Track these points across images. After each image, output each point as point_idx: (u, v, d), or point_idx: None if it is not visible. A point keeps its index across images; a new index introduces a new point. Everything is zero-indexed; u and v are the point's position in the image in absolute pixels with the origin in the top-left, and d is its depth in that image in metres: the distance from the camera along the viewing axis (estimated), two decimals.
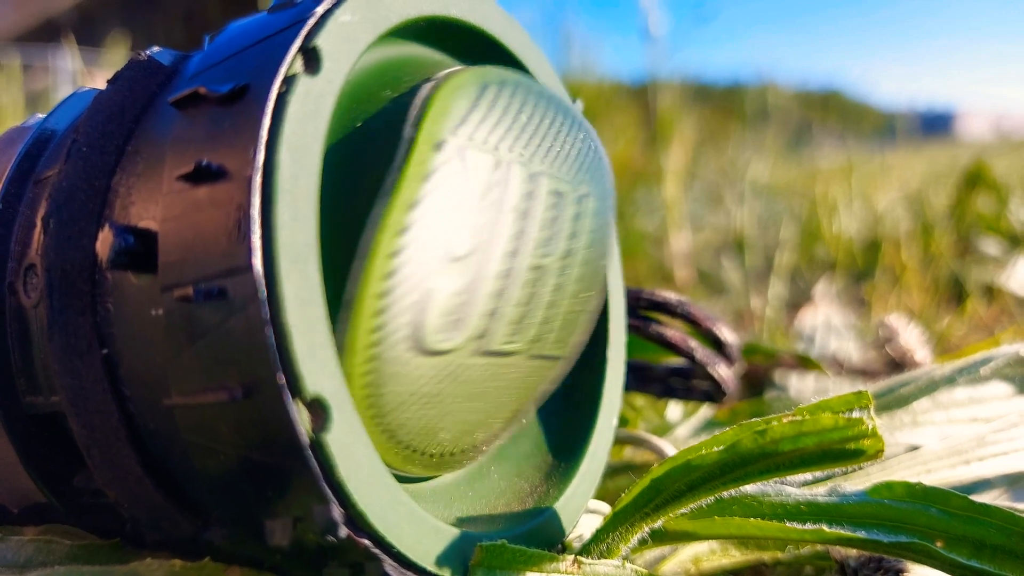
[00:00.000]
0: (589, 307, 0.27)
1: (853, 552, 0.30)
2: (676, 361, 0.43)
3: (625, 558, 0.26)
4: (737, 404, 0.47)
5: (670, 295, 0.42)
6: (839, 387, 0.53)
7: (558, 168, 0.24)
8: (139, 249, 0.20)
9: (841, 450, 0.23)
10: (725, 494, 0.25)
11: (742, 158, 1.86)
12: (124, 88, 0.24)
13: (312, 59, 0.21)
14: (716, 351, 0.42)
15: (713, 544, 0.32)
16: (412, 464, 0.24)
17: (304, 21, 0.21)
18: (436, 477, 0.27)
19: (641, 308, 0.42)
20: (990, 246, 1.04)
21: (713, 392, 0.42)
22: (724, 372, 0.41)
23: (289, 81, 0.20)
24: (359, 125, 0.23)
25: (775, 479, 0.25)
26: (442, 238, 0.21)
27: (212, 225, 0.19)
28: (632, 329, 0.40)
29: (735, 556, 0.32)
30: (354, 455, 0.20)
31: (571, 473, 0.29)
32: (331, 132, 0.21)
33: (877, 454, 0.22)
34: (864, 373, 0.62)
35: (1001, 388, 0.38)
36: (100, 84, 0.26)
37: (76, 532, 0.26)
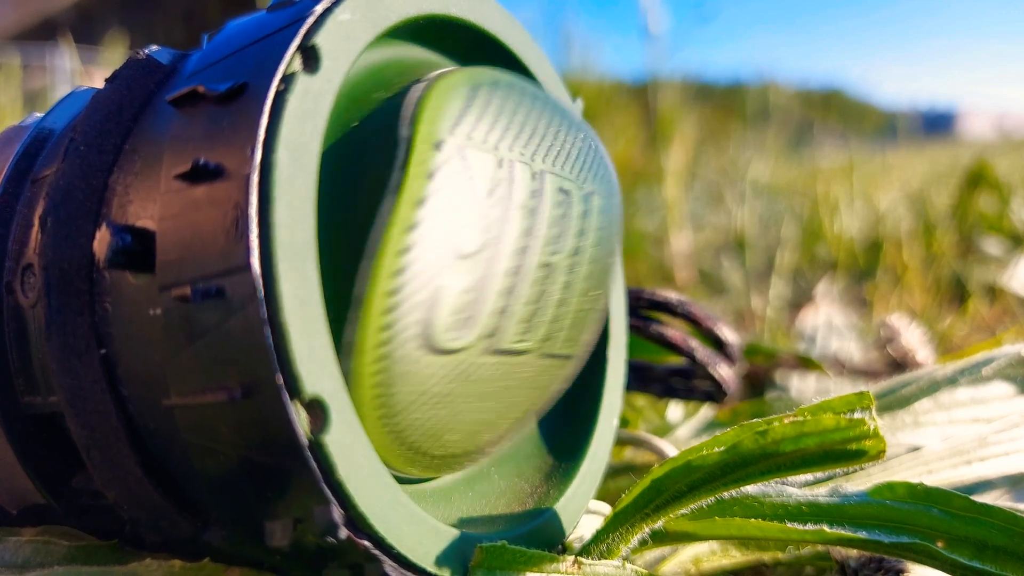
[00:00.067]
0: (598, 305, 0.27)
1: (854, 553, 0.29)
2: (677, 361, 0.43)
3: (625, 559, 0.26)
4: (738, 405, 0.47)
5: (671, 295, 0.42)
6: (840, 387, 0.53)
7: (561, 167, 0.24)
8: (137, 248, 0.20)
9: (842, 451, 0.23)
10: (726, 495, 0.25)
11: (743, 157, 1.86)
12: (122, 87, 0.24)
13: (311, 58, 0.21)
14: (717, 351, 0.42)
15: (714, 545, 0.32)
16: (413, 466, 0.23)
17: (303, 20, 0.21)
18: (435, 479, 0.27)
19: (642, 308, 0.41)
20: (992, 246, 1.04)
21: (714, 392, 0.42)
22: (725, 372, 0.41)
23: (288, 80, 0.20)
24: (355, 125, 0.23)
25: (776, 480, 0.25)
26: (451, 235, 0.21)
27: (210, 224, 0.19)
28: (633, 329, 0.40)
29: (736, 557, 0.32)
30: (353, 456, 0.20)
31: (572, 474, 0.29)
32: (329, 132, 0.21)
33: (879, 455, 0.22)
34: (865, 373, 0.62)
35: (1003, 388, 0.37)
36: (98, 83, 0.26)
37: (75, 533, 0.26)
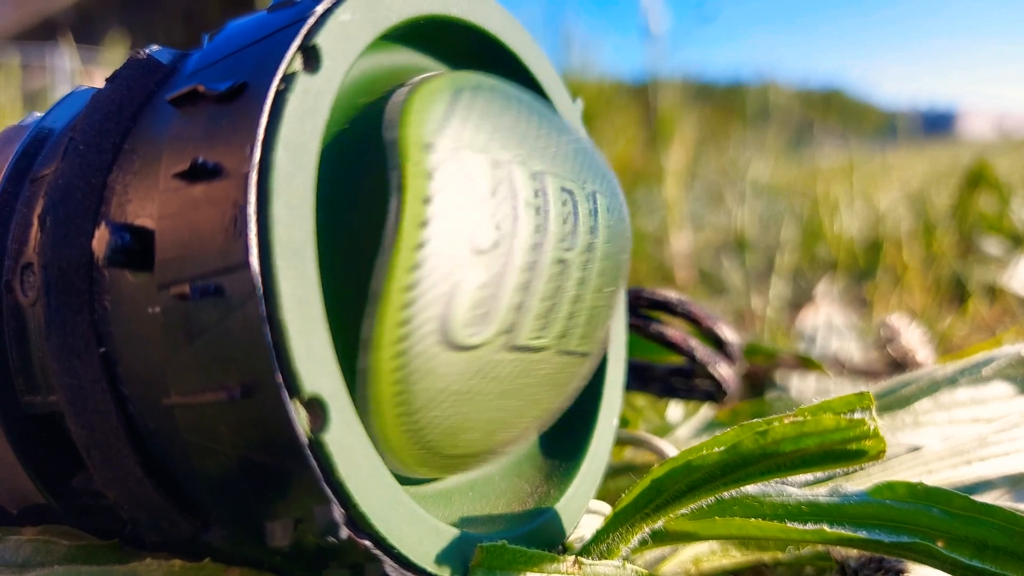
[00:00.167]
0: (611, 302, 0.27)
1: (854, 552, 0.29)
2: (677, 360, 0.43)
3: (625, 558, 0.26)
4: (738, 404, 0.47)
5: (671, 294, 0.42)
6: (840, 387, 0.53)
7: (559, 167, 0.24)
8: (135, 247, 0.20)
9: (843, 451, 0.23)
10: (726, 495, 0.25)
11: (743, 157, 1.86)
12: (122, 86, 0.24)
13: (311, 58, 0.21)
14: (717, 350, 0.42)
15: (714, 544, 0.32)
16: (426, 465, 0.23)
17: (304, 20, 0.21)
18: (439, 480, 0.27)
19: (642, 307, 0.41)
20: (992, 246, 1.04)
21: (714, 391, 0.42)
22: (725, 371, 0.41)
23: (288, 79, 0.20)
24: (343, 128, 0.23)
25: (776, 480, 0.25)
26: (464, 231, 0.21)
27: (208, 223, 0.19)
28: (633, 328, 0.40)
29: (736, 556, 0.32)
30: (354, 455, 0.20)
31: (572, 474, 0.29)
32: (327, 132, 0.21)
33: (879, 455, 0.22)
34: (866, 373, 0.62)
35: (1003, 388, 0.37)
36: (98, 83, 0.26)
37: (75, 533, 0.26)
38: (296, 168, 0.20)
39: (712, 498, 0.25)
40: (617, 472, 0.39)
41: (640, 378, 0.43)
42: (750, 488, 0.26)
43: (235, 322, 0.19)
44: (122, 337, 0.22)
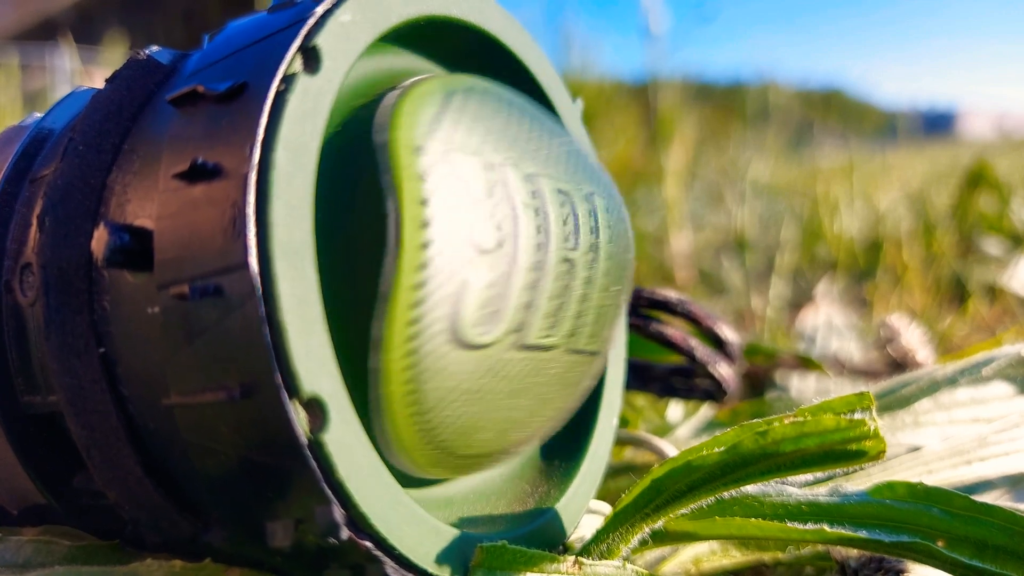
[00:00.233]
0: (618, 301, 0.27)
1: (854, 552, 0.29)
2: (677, 360, 0.43)
3: (626, 559, 0.26)
4: (738, 405, 0.47)
5: (671, 293, 0.42)
6: (840, 387, 0.53)
7: (552, 169, 0.24)
8: (135, 247, 0.20)
9: (843, 451, 0.23)
10: (726, 494, 0.25)
11: (743, 157, 1.86)
12: (122, 87, 0.24)
13: (312, 58, 0.21)
14: (717, 350, 0.42)
15: (714, 544, 0.32)
16: (439, 466, 0.23)
17: (304, 21, 0.21)
18: (442, 482, 0.27)
19: (641, 307, 0.41)
20: (992, 246, 1.04)
21: (714, 391, 0.42)
22: (725, 371, 0.41)
23: (288, 80, 0.20)
24: (341, 130, 0.23)
25: (776, 480, 0.25)
26: (466, 231, 0.21)
27: (208, 223, 0.19)
28: (632, 328, 0.40)
29: (736, 556, 0.32)
30: (353, 455, 0.20)
31: (572, 474, 0.29)
32: (326, 134, 0.21)
33: (879, 455, 0.22)
34: (866, 373, 0.62)
35: (1003, 388, 0.37)
36: (98, 83, 0.26)
37: (75, 533, 0.26)
38: (296, 168, 0.20)
39: (712, 498, 0.25)
40: (617, 472, 0.39)
41: (640, 378, 0.43)
42: (750, 488, 0.26)
43: (234, 322, 0.19)
44: (122, 337, 0.22)
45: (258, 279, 0.19)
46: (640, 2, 1.46)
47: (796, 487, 0.27)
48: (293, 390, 0.19)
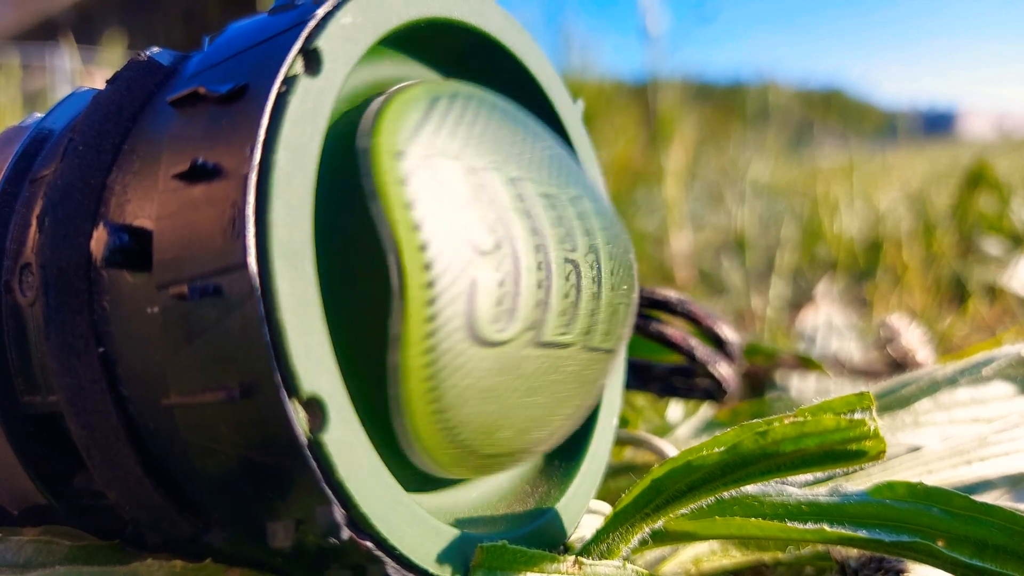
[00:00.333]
0: (629, 299, 0.28)
1: (854, 552, 0.29)
2: (677, 360, 0.43)
3: (626, 559, 0.26)
4: (738, 404, 0.47)
5: (670, 293, 0.42)
6: (840, 387, 0.53)
7: (536, 173, 0.24)
8: (134, 247, 0.20)
9: (843, 451, 0.23)
10: (726, 494, 0.25)
11: (743, 157, 1.86)
12: (122, 87, 0.24)
13: (313, 60, 0.21)
14: (717, 349, 0.42)
15: (714, 544, 0.32)
16: (462, 465, 0.24)
17: (305, 23, 0.21)
18: (445, 484, 0.26)
19: (641, 306, 0.42)
20: (992, 246, 1.04)
21: (714, 391, 0.42)
22: (725, 370, 0.41)
23: (289, 82, 0.20)
24: (337, 132, 0.23)
25: (776, 480, 0.25)
26: (461, 233, 0.21)
27: (207, 223, 0.19)
28: (633, 327, 0.40)
29: (736, 556, 0.32)
30: (353, 455, 0.20)
31: (572, 473, 0.29)
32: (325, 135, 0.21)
33: (879, 455, 0.22)
34: (866, 373, 0.62)
35: (1003, 388, 0.37)
36: (98, 83, 0.26)
37: (76, 533, 0.26)
38: (296, 169, 0.20)
39: (712, 498, 0.25)
40: (617, 472, 0.39)
41: (640, 377, 0.43)
42: (750, 488, 0.26)
43: (234, 322, 0.19)
44: (121, 337, 0.22)
45: (257, 279, 0.19)
46: (640, 2, 1.46)
47: (796, 487, 0.27)
48: (292, 390, 0.19)
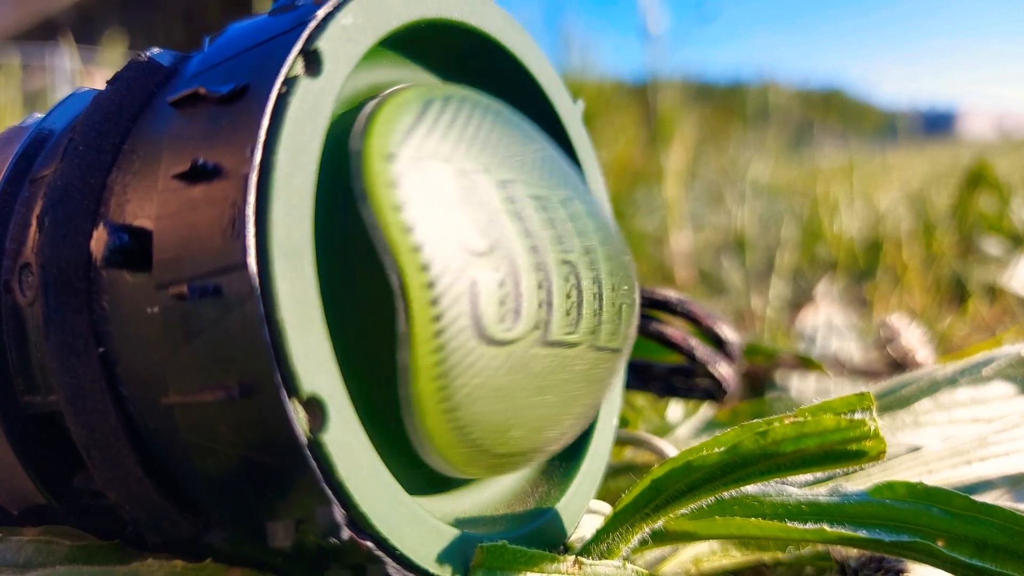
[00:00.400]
0: (632, 299, 0.28)
1: (854, 552, 0.29)
2: (677, 360, 0.43)
3: (626, 558, 0.26)
4: (738, 405, 0.47)
5: (670, 293, 0.42)
6: (841, 388, 0.53)
7: (527, 175, 0.25)
8: (134, 247, 0.20)
9: (843, 451, 0.23)
10: (726, 494, 0.25)
11: (743, 157, 1.86)
12: (122, 88, 0.24)
13: (313, 61, 0.21)
14: (717, 349, 0.42)
15: (714, 544, 0.32)
16: (475, 465, 0.24)
17: (305, 24, 0.21)
18: (445, 487, 0.27)
19: (641, 306, 0.41)
20: (992, 246, 1.04)
21: (714, 390, 0.42)
22: (725, 370, 0.41)
23: (290, 82, 0.20)
24: (337, 133, 0.23)
25: (776, 480, 0.25)
26: (454, 234, 0.21)
27: (207, 223, 0.19)
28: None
29: (736, 556, 0.32)
30: (353, 455, 0.20)
31: (572, 473, 0.29)
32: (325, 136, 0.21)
33: (879, 455, 0.22)
34: (866, 373, 0.62)
35: (1003, 388, 0.38)
36: (98, 83, 0.26)
37: (76, 533, 0.26)
38: (296, 169, 0.20)
39: (712, 498, 0.25)
40: (617, 472, 0.39)
41: (640, 377, 0.43)
42: (750, 488, 0.26)
43: (233, 322, 0.19)
44: (121, 337, 0.22)
45: (257, 279, 0.19)
46: (640, 2, 1.46)
47: (796, 487, 0.27)
48: (292, 389, 0.19)
